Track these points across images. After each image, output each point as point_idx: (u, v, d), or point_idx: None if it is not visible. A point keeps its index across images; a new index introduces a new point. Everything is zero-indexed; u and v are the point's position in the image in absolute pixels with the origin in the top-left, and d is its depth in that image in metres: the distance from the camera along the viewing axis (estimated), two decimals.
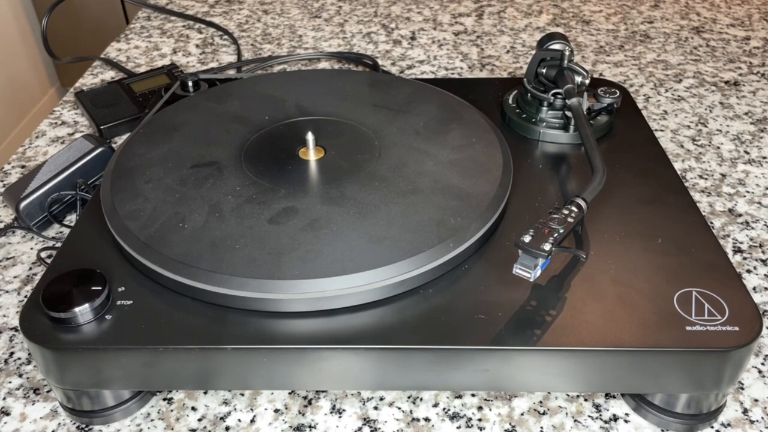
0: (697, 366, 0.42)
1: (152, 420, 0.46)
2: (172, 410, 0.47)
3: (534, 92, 0.62)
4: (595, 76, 0.87)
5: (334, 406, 0.47)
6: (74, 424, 0.46)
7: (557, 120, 0.61)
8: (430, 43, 0.97)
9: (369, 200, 0.49)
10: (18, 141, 2.37)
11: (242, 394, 0.48)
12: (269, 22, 1.04)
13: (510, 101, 0.65)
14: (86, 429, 0.46)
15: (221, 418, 0.46)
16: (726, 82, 0.86)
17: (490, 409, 0.47)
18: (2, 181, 0.70)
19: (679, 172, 0.67)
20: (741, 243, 0.60)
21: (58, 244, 0.60)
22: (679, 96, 0.83)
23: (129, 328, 0.42)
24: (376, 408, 0.47)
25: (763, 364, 0.50)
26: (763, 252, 0.59)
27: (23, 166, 0.72)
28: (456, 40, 0.97)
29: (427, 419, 0.46)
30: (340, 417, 0.46)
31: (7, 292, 0.56)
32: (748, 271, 0.57)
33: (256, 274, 0.43)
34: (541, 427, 0.45)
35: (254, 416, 0.46)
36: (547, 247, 0.42)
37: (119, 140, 0.76)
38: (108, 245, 0.49)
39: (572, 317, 0.43)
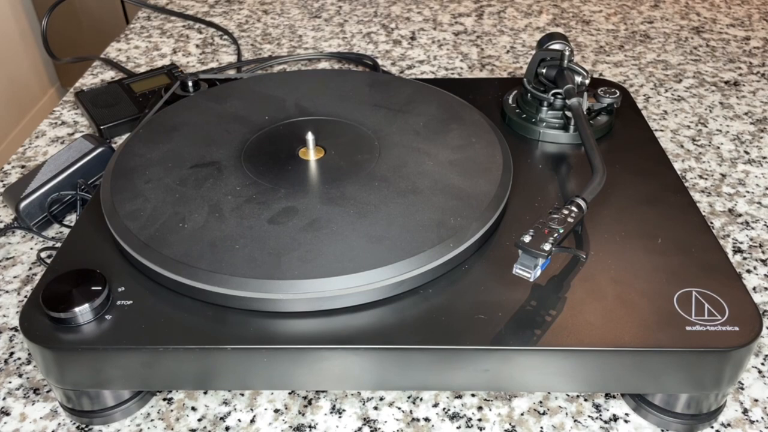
0: (697, 366, 0.42)
1: (152, 420, 0.46)
2: (172, 410, 0.47)
3: (534, 92, 0.62)
4: (595, 76, 0.87)
5: (334, 406, 0.47)
6: (74, 424, 0.46)
7: (557, 120, 0.61)
8: (430, 43, 0.97)
9: (369, 200, 0.49)
10: (18, 141, 2.37)
11: (242, 394, 0.48)
12: (269, 22, 1.04)
13: (510, 101, 0.65)
14: (86, 429, 0.46)
15: (221, 418, 0.46)
16: (726, 82, 0.86)
17: (490, 409, 0.47)
18: (2, 181, 0.70)
19: (679, 172, 0.67)
20: (741, 243, 0.60)
21: (58, 244, 0.60)
22: (679, 96, 0.83)
23: (129, 328, 0.42)
24: (376, 408, 0.47)
25: (763, 364, 0.50)
26: (763, 252, 0.59)
27: (23, 166, 0.72)
28: (456, 40, 0.97)
29: (427, 419, 0.46)
30: (340, 417, 0.46)
31: (7, 292, 0.56)
32: (748, 271, 0.57)
33: (256, 274, 0.43)
34: (541, 427, 0.45)
35: (254, 416, 0.46)
36: (547, 247, 0.42)
37: (119, 140, 0.76)
38: (108, 245, 0.49)
39: (572, 317, 0.43)
